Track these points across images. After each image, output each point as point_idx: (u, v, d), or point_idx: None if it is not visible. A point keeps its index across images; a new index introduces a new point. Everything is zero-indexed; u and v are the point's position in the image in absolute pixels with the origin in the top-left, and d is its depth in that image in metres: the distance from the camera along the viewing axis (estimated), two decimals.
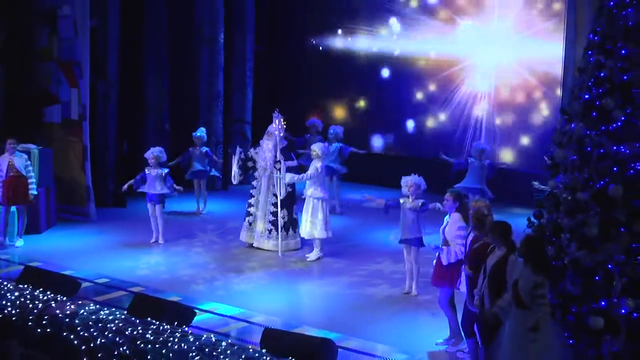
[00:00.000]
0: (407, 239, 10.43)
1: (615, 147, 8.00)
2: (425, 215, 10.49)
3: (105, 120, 14.93)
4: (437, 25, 16.42)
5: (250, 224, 12.61)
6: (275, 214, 12.29)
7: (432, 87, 16.64)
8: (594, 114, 8.13)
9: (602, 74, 8.12)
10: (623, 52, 8.04)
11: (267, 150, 12.42)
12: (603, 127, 8.07)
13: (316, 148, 12.16)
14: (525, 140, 15.59)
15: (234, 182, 13.00)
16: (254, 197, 12.61)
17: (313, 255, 12.03)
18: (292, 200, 12.52)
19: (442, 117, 16.53)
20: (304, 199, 12.23)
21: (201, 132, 14.79)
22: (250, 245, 12.58)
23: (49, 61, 14.41)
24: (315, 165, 11.97)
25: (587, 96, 8.21)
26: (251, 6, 17.23)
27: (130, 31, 15.17)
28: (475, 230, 8.28)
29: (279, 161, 12.26)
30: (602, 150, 8.03)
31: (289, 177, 11.97)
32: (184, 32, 16.26)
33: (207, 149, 14.79)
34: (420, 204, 10.30)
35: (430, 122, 16.74)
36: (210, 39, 16.47)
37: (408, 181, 10.40)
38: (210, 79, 16.59)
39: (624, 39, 8.05)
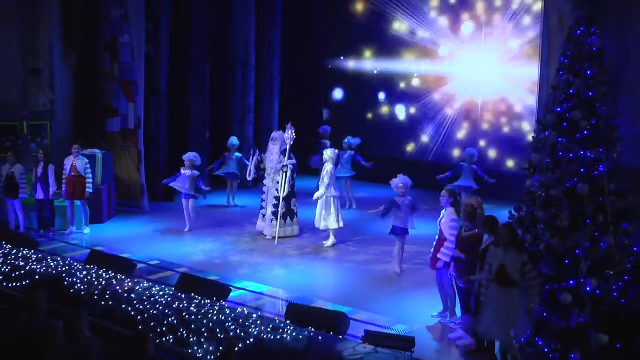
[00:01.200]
0: (398, 227, 10.41)
1: (582, 152, 7.99)
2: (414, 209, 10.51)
3: (156, 129, 15.03)
4: (432, 49, 16.41)
5: (263, 215, 12.60)
6: (276, 206, 12.25)
7: (427, 102, 16.60)
8: (565, 124, 8.11)
9: (571, 91, 8.11)
10: (588, 72, 8.05)
11: (273, 153, 12.39)
12: (572, 136, 8.07)
13: (327, 153, 12.12)
14: (508, 146, 15.51)
15: (249, 178, 13.22)
16: (264, 193, 12.59)
17: (329, 242, 12.02)
18: (292, 195, 12.39)
19: (438, 126, 16.48)
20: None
21: (234, 140, 14.77)
22: (262, 234, 12.50)
23: (111, 80, 14.52)
24: (327, 168, 11.91)
25: (559, 109, 8.19)
26: (277, 35, 17.29)
27: (177, 56, 15.23)
28: (466, 221, 8.30)
29: (286, 165, 12.18)
30: (571, 155, 8.02)
31: (319, 194, 11.87)
32: (222, 56, 16.31)
33: (240, 154, 14.66)
34: (409, 201, 10.35)
35: (426, 133, 16.68)
36: (243, 62, 16.53)
37: (398, 183, 10.42)
38: (243, 95, 16.64)
39: (589, 62, 8.05)
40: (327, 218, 11.88)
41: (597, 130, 7.99)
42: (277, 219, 12.21)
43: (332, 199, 11.89)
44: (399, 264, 10.60)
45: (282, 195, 12.19)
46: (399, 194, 10.43)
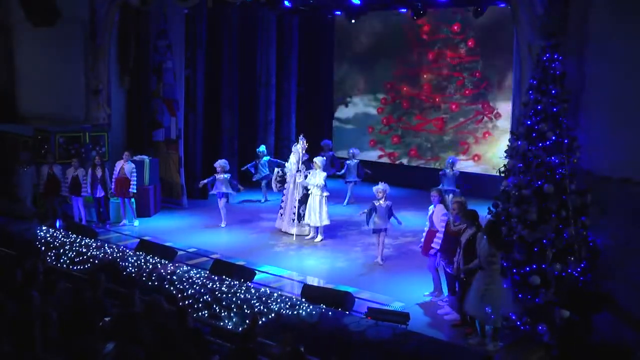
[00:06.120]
0: (379, 228, 10.20)
1: (548, 158, 8.00)
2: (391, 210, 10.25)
3: (194, 139, 15.01)
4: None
5: (281, 215, 12.15)
6: (297, 207, 11.83)
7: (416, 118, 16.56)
8: (534, 134, 8.13)
9: (539, 107, 8.12)
10: (553, 92, 8.06)
11: (292, 163, 11.95)
12: (540, 144, 8.07)
13: (316, 162, 11.60)
14: (487, 154, 15.45)
15: (275, 190, 12.69)
16: (284, 196, 12.15)
17: (318, 238, 11.57)
18: (306, 199, 11.80)
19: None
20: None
21: (262, 147, 14.71)
22: (280, 231, 12.05)
23: (157, 99, 14.57)
24: (317, 173, 11.50)
25: (529, 122, 8.20)
26: (295, 60, 17.27)
27: (211, 78, 15.24)
28: (457, 216, 8.11)
29: (300, 170, 11.72)
30: (539, 160, 8.03)
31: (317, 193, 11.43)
32: (248, 78, 16.29)
33: (269, 158, 14.54)
34: (385, 205, 10.11)
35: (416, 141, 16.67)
36: (266, 83, 16.52)
37: (378, 189, 10.19)
38: (266, 111, 16.61)
39: (553, 83, 8.08)
40: (320, 216, 11.41)
41: (560, 139, 8.00)
42: (297, 220, 11.59)
43: (324, 198, 11.42)
44: (380, 255, 10.36)
45: (297, 196, 11.69)
46: (377, 198, 10.15)
